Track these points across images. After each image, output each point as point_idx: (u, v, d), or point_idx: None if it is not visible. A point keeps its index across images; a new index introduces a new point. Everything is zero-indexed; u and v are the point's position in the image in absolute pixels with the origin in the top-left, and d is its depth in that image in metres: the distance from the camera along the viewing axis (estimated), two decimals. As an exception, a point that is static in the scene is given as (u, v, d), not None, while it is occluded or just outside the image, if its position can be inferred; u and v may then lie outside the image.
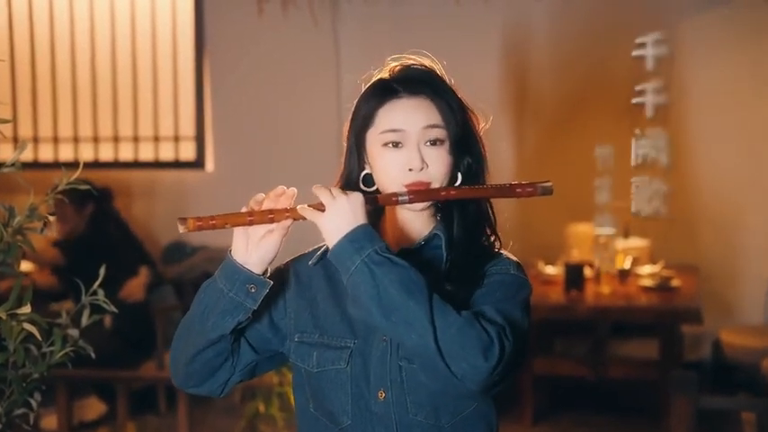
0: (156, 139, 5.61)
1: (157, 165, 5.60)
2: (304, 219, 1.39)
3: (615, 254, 4.37)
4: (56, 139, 5.71)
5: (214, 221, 1.37)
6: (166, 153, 5.61)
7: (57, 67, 5.68)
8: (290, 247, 1.58)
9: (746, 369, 4.22)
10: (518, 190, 1.44)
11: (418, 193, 1.42)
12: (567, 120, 5.12)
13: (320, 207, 1.38)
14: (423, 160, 1.42)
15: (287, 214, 1.39)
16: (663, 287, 4.20)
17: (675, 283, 4.24)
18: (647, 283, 4.25)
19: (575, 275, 4.14)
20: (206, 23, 5.45)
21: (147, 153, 5.63)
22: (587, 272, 4.24)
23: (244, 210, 1.40)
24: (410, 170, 1.42)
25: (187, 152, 5.58)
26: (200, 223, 1.37)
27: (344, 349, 1.46)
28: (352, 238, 1.35)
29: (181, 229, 1.37)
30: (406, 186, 1.42)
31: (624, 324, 4.52)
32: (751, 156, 4.94)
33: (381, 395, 1.43)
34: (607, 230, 4.40)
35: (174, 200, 5.50)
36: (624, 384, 4.47)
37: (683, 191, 5.03)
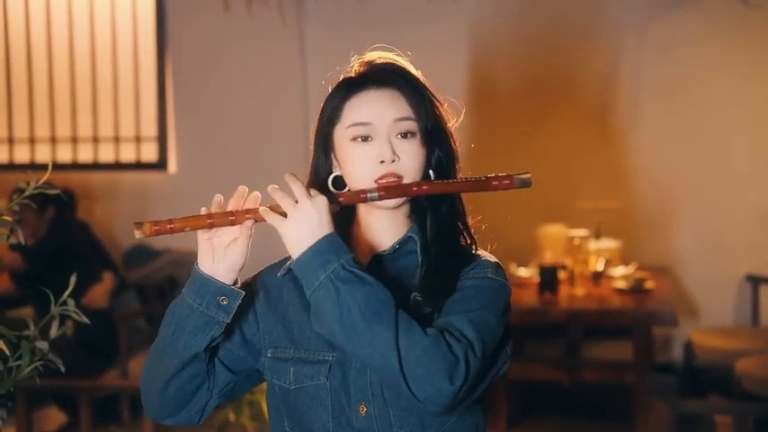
0: (117, 139, 5.47)
1: (118, 166, 5.46)
2: (265, 221, 1.31)
3: (588, 255, 4.33)
4: (11, 140, 5.53)
5: (172, 225, 1.30)
6: (127, 154, 5.47)
7: (12, 66, 5.51)
8: (259, 255, 1.50)
9: (719, 371, 4.21)
10: (494, 183, 1.37)
11: (388, 189, 1.34)
12: (537, 118, 5.09)
13: (283, 210, 1.30)
14: (394, 152, 1.36)
15: (248, 216, 1.32)
16: (636, 289, 4.16)
17: (649, 285, 4.21)
18: (621, 285, 4.21)
19: (548, 278, 4.09)
20: (168, 20, 5.31)
21: (107, 154, 5.48)
22: (561, 274, 4.19)
23: (203, 211, 1.33)
24: (381, 162, 1.35)
25: (149, 153, 5.44)
26: (157, 227, 1.30)
27: (323, 363, 1.38)
28: (317, 250, 1.27)
29: (137, 234, 1.30)
30: (377, 180, 1.35)
31: (596, 326, 4.49)
32: (722, 156, 4.94)
33: (363, 409, 1.36)
34: (580, 232, 4.37)
35: (135, 202, 5.36)
36: (598, 387, 4.44)
37: (652, 191, 5.02)
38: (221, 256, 1.34)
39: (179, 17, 5.29)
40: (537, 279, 4.13)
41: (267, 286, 1.45)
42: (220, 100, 5.28)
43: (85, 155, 5.48)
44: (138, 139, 5.45)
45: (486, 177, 1.38)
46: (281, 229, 1.29)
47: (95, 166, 5.46)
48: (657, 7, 4.95)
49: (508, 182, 1.37)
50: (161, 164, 5.39)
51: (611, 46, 5.01)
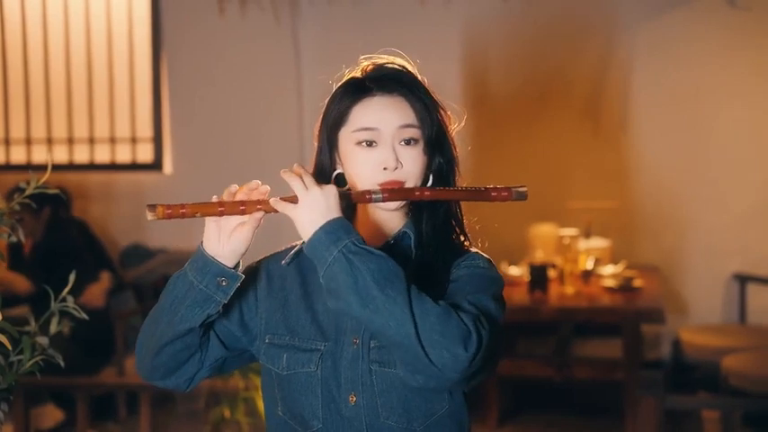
0: (113, 140, 5.51)
1: (114, 167, 5.50)
2: (276, 211, 1.36)
3: (578, 254, 4.39)
4: (7, 141, 5.58)
5: (184, 210, 1.34)
6: (123, 155, 5.51)
7: (8, 67, 5.55)
8: (266, 242, 1.55)
9: (706, 368, 4.26)
10: (493, 194, 1.44)
11: (392, 191, 1.40)
12: (528, 120, 5.14)
13: (293, 199, 1.35)
14: (397, 159, 1.41)
15: (258, 206, 1.37)
16: (625, 287, 4.23)
17: (638, 283, 4.27)
18: (610, 283, 4.27)
19: (538, 276, 4.15)
20: (163, 22, 5.36)
21: (103, 155, 5.53)
22: (551, 272, 4.25)
23: (215, 199, 1.38)
24: (384, 169, 1.41)
25: (145, 154, 5.49)
26: (169, 211, 1.34)
27: (314, 352, 1.43)
28: (329, 230, 1.32)
29: (149, 216, 1.34)
30: (380, 185, 1.41)
31: (586, 324, 4.54)
32: (711, 156, 4.99)
33: (352, 399, 1.41)
34: (570, 231, 4.43)
35: (131, 202, 5.40)
36: (588, 384, 4.49)
37: (642, 191, 5.08)
38: (227, 239, 1.38)
39: (174, 19, 5.33)
40: (527, 278, 4.19)
41: (270, 273, 1.49)
42: (215, 101, 5.32)
43: (81, 155, 5.53)
44: (133, 140, 5.49)
45: (486, 188, 1.44)
46: (293, 213, 1.34)
47: (91, 167, 5.50)
48: (649, 9, 5.01)
49: (506, 194, 1.43)
50: (156, 164, 5.44)
51: (601, 48, 5.07)
